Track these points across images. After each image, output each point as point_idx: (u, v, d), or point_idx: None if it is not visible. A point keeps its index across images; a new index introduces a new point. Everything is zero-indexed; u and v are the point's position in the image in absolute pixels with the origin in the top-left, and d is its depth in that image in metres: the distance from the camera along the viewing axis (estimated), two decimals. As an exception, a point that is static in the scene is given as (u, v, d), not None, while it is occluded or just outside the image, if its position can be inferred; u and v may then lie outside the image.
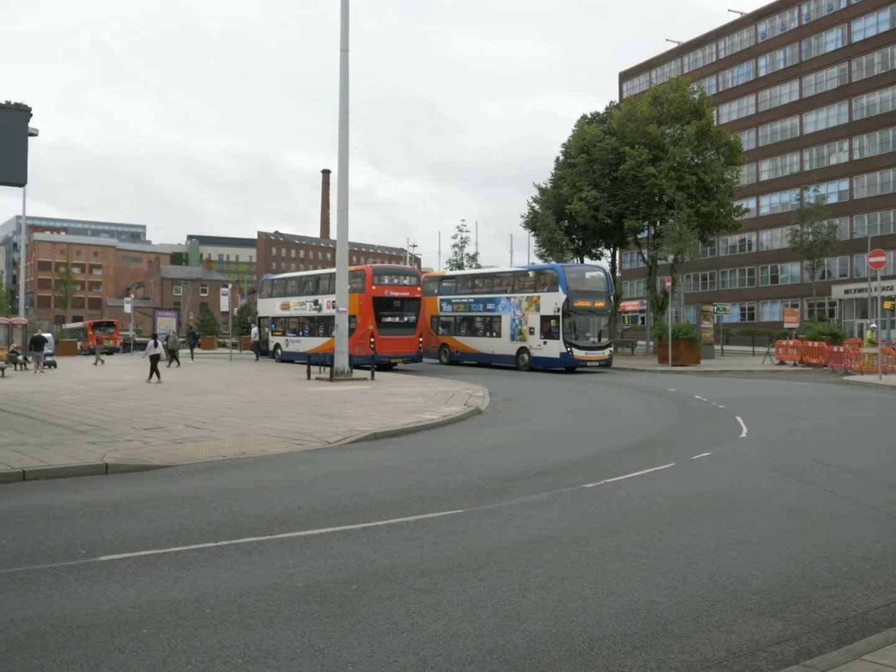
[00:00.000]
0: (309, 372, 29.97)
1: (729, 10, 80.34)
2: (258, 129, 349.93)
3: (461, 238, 56.44)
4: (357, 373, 30.00)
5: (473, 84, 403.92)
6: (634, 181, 47.72)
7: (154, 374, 28.25)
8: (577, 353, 34.73)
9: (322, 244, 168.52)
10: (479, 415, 19.13)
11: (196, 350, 50.27)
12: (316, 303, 40.96)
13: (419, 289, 39.10)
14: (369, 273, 37.31)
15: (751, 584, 6.37)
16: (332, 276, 37.10)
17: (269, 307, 46.56)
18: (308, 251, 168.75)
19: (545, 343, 35.41)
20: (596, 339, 36.17)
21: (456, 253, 57.25)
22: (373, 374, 29.50)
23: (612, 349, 37.66)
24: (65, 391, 24.34)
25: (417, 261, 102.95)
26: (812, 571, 6.73)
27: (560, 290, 34.99)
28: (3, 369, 33.60)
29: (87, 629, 5.43)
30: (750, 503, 9.38)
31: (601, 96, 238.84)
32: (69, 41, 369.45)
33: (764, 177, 76.43)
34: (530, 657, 4.99)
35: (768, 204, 75.95)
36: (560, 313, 34.73)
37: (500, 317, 38.35)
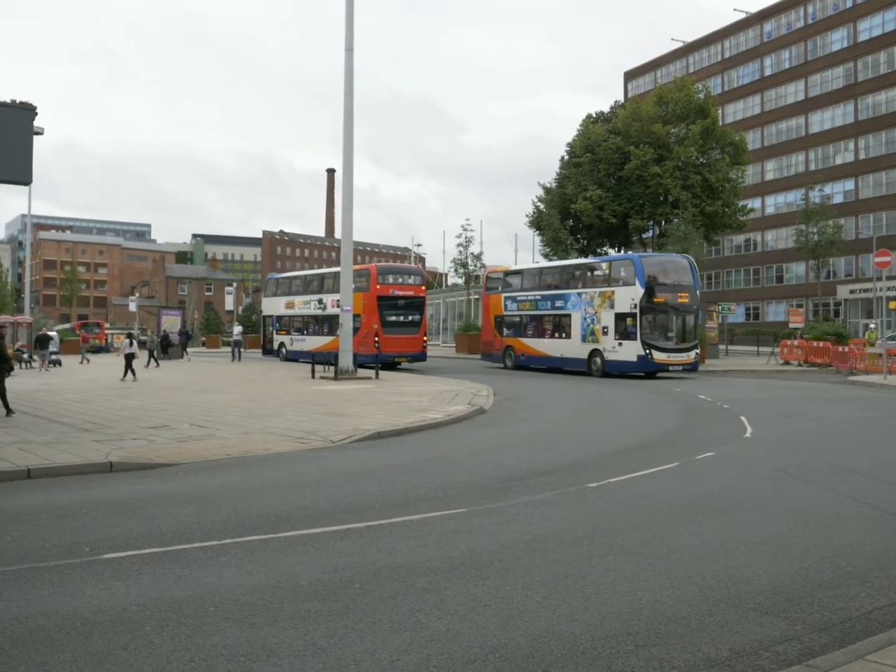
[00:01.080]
0: (313, 371, 29.98)
1: (734, 10, 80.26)
2: (262, 128, 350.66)
3: (466, 237, 56.34)
4: (361, 372, 30.00)
5: (476, 83, 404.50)
6: (639, 181, 47.72)
7: (129, 373, 28.49)
8: (658, 355, 30.54)
9: (327, 243, 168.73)
10: (483, 414, 19.13)
11: (201, 349, 50.50)
12: (320, 301, 40.98)
13: (423, 288, 39.14)
14: (374, 272, 37.35)
15: (754, 583, 6.37)
16: (336, 275, 36.90)
17: (273, 306, 46.63)
18: (313, 250, 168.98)
19: (620, 345, 31.15)
20: (680, 340, 31.74)
21: (461, 252, 57.13)
22: (377, 373, 29.51)
23: (698, 351, 32.80)
24: (70, 389, 24.39)
25: (422, 260, 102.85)
26: (816, 571, 6.72)
27: (636, 283, 30.75)
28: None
29: (90, 626, 5.44)
30: (754, 503, 9.36)
31: (604, 96, 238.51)
32: (73, 41, 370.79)
33: (769, 176, 76.29)
34: (533, 656, 4.99)
35: (773, 204, 75.82)
36: (637, 310, 30.51)
37: (569, 315, 34.04)
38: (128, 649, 5.07)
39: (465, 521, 8.44)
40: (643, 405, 21.38)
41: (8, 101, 14.22)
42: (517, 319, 37.43)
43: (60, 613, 5.67)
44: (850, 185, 68.89)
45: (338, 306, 32.13)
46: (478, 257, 58.52)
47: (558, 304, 34.88)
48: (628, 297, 30.95)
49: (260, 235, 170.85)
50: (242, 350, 46.72)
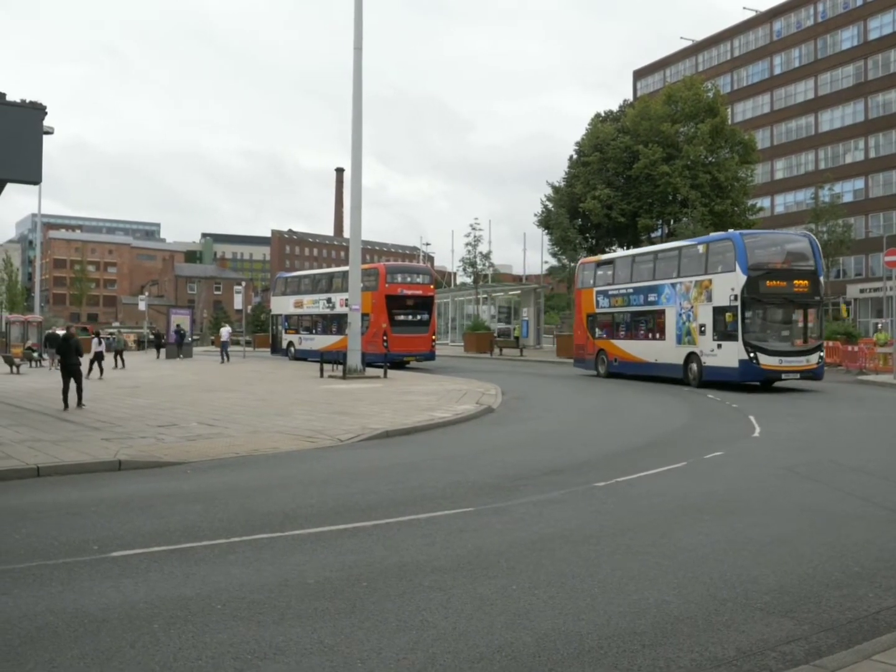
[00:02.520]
0: (322, 370, 30.03)
1: (744, 9, 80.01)
2: (267, 127, 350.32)
3: (474, 236, 56.33)
4: (370, 371, 30.04)
5: (482, 82, 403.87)
6: (648, 180, 47.63)
7: (97, 371, 29.49)
8: (766, 360, 24.23)
9: (335, 242, 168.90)
10: (492, 413, 19.13)
11: (210, 347, 50.57)
12: (329, 301, 41.04)
13: (432, 287, 39.22)
14: (382, 271, 37.41)
15: (761, 583, 6.35)
16: (345, 275, 36.77)
17: (282, 305, 46.75)
18: (322, 249, 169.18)
19: (720, 347, 25.15)
20: (796, 340, 25.47)
21: (469, 251, 57.13)
22: (385, 373, 29.54)
23: (822, 354, 25.90)
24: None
25: (431, 259, 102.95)
26: (823, 571, 6.70)
27: (737, 268, 24.59)
28: (18, 366, 33.85)
29: (99, 624, 5.47)
30: (761, 503, 9.34)
31: (611, 94, 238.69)
32: (79, 40, 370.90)
33: (778, 175, 76.03)
34: (539, 655, 4.99)
35: (783, 203, 75.54)
36: (738, 303, 24.39)
37: (662, 311, 28.25)
38: (135, 647, 5.09)
39: (472, 520, 8.44)
40: (652, 404, 21.34)
41: (18, 100, 14.27)
42: (609, 318, 31.99)
43: (69, 611, 5.70)
44: (859, 183, 68.59)
45: (346, 305, 32.19)
46: (486, 256, 58.53)
47: (651, 297, 29.09)
48: (727, 286, 24.89)
49: (268, 234, 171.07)
50: (230, 350, 45.65)
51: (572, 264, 53.21)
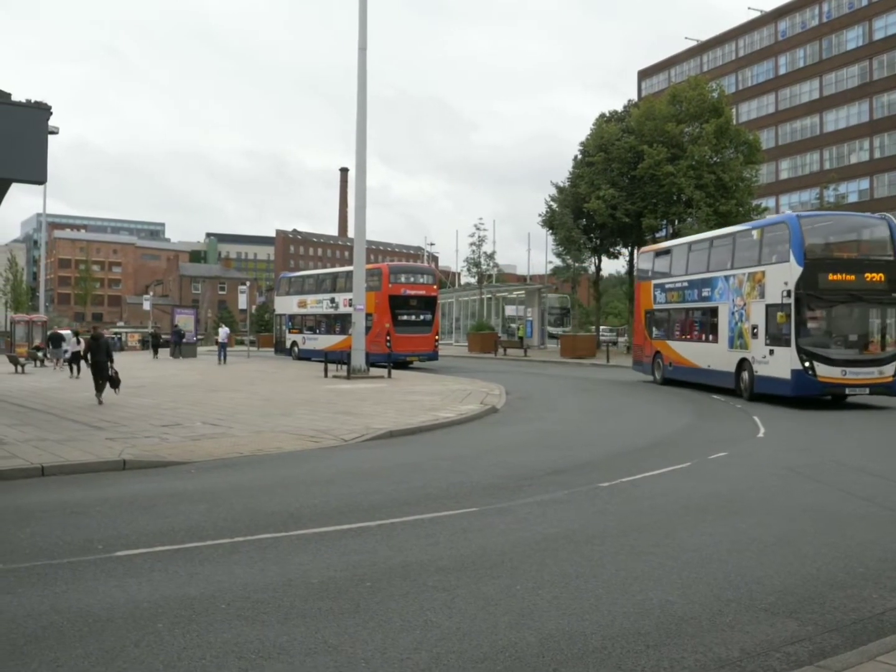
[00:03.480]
0: (326, 370, 30.05)
1: (749, 9, 79.91)
2: (269, 127, 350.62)
3: (478, 236, 56.29)
4: (374, 371, 30.03)
5: (484, 82, 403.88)
6: (653, 180, 47.56)
7: (75, 369, 30.16)
8: (824, 370, 19.78)
9: (340, 242, 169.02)
10: (495, 413, 19.13)
11: (214, 347, 50.50)
12: (332, 301, 41.13)
13: (435, 287, 39.33)
14: (385, 271, 37.48)
15: (765, 584, 6.35)
16: (348, 274, 37.41)
17: (286, 305, 46.83)
18: (326, 249, 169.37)
19: (771, 353, 20.70)
20: (865, 347, 20.81)
21: (473, 251, 57.11)
22: (389, 373, 29.54)
23: None
24: (82, 388, 24.49)
25: (435, 259, 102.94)
26: (827, 572, 6.69)
27: (791, 257, 20.15)
28: (23, 366, 33.93)
29: (103, 623, 5.48)
30: (765, 503, 9.34)
31: (613, 94, 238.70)
32: (79, 40, 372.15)
33: (783, 175, 75.93)
34: (543, 655, 4.99)
35: (788, 203, 75.33)
36: (792, 300, 19.99)
37: (715, 309, 24.09)
38: (140, 646, 5.10)
39: (476, 520, 8.44)
40: (656, 404, 21.32)
41: (23, 100, 14.30)
42: (666, 315, 28.09)
43: (73, 610, 5.71)
44: (864, 184, 68.44)
45: (350, 305, 32.46)
46: (490, 256, 58.50)
47: (705, 292, 24.92)
48: (780, 279, 20.53)
49: (272, 234, 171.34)
50: (228, 351, 44.58)
51: (576, 264, 53.28)
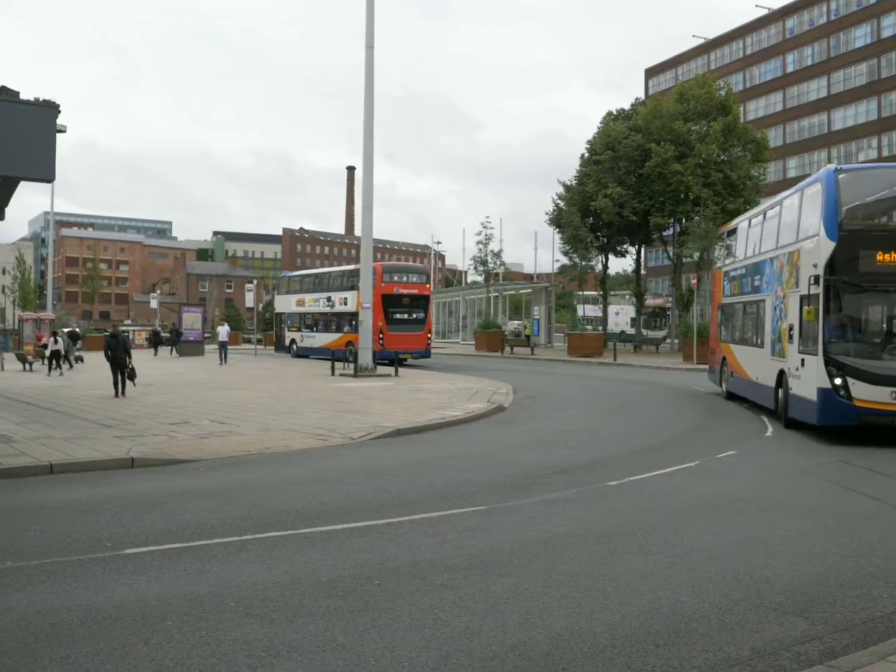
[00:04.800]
0: (333, 367, 30.10)
1: (756, 6, 79.65)
2: (275, 126, 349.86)
3: (485, 235, 56.20)
4: (381, 369, 30.08)
5: (490, 81, 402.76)
6: (660, 178, 47.44)
7: (57, 367, 30.88)
8: (863, 391, 13.91)
9: (346, 240, 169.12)
10: (503, 412, 19.11)
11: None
12: (329, 299, 41.49)
13: (428, 286, 40.69)
14: (378, 270, 37.80)
15: (775, 583, 6.33)
16: (343, 274, 40.93)
17: (286, 303, 47.28)
18: (333, 247, 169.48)
19: (802, 364, 15.21)
20: None
21: (480, 250, 57.02)
22: (396, 371, 29.56)
23: None
24: (90, 386, 24.57)
25: (441, 258, 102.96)
26: (837, 571, 6.67)
27: (822, 230, 14.65)
28: (31, 363, 34.02)
29: (112, 621, 5.49)
30: (774, 502, 9.31)
31: (619, 92, 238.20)
32: (85, 40, 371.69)
33: (791, 174, 75.61)
34: (552, 654, 4.99)
35: (794, 202, 75.17)
36: (820, 289, 14.43)
37: (762, 302, 18.80)
38: (149, 644, 5.11)
39: (483, 518, 8.44)
40: (665, 403, 21.28)
41: (31, 98, 14.33)
42: (731, 310, 22.77)
43: (82, 608, 5.72)
44: (873, 182, 68.21)
45: (345, 304, 34.68)
46: (497, 255, 58.43)
47: (756, 281, 19.62)
48: (809, 261, 15.17)
49: (279, 232, 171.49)
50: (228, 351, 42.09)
51: (583, 263, 53.17)
